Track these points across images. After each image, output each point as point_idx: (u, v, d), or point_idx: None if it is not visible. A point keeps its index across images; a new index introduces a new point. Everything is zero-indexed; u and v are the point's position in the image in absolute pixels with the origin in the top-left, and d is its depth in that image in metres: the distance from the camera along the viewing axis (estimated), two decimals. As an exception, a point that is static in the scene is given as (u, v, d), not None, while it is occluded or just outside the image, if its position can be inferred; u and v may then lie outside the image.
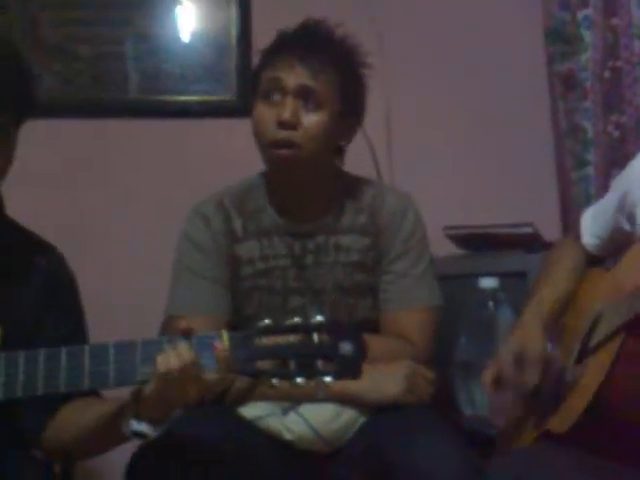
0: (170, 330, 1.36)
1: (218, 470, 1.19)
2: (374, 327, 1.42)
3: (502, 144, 2.09)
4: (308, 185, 1.41)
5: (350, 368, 1.01)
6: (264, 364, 1.02)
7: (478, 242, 1.78)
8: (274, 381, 1.01)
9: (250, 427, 1.33)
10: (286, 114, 1.33)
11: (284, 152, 1.34)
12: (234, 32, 2.10)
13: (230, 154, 2.02)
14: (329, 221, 1.43)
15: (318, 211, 1.43)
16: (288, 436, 1.32)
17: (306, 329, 1.03)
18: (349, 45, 1.41)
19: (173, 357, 1.03)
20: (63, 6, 2.08)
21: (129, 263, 2.02)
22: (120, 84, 2.09)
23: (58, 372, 1.04)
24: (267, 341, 1.02)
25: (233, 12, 2.10)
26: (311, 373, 1.01)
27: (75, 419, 1.18)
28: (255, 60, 2.04)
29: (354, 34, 1.95)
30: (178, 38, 2.10)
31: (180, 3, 2.12)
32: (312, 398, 1.29)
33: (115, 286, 1.97)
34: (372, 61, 2.03)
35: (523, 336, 1.26)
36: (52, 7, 2.07)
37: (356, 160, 1.94)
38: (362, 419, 1.34)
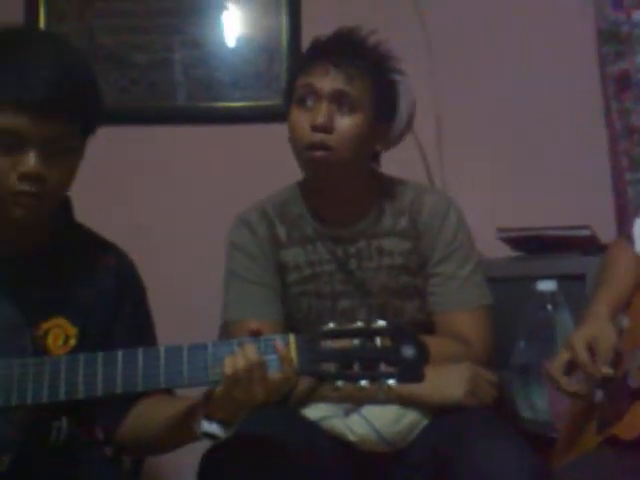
0: (232, 333, 1.40)
1: (284, 470, 1.21)
2: (422, 328, 1.42)
3: (556, 145, 2.07)
4: (344, 190, 1.43)
5: (413, 372, 1.03)
6: (329, 366, 1.04)
7: (533, 244, 1.77)
8: (339, 383, 1.03)
9: (314, 428, 1.35)
10: (320, 118, 1.35)
11: (319, 154, 1.36)
12: (284, 38, 2.13)
13: (281, 158, 2.04)
14: (369, 225, 1.45)
15: (356, 215, 1.45)
16: (351, 437, 1.34)
17: (369, 333, 1.04)
18: (382, 51, 1.43)
19: (240, 358, 1.05)
20: (118, 14, 2.13)
21: (187, 264, 2.06)
22: (173, 91, 2.13)
23: (136, 372, 1.07)
24: (331, 344, 1.04)
25: (283, 18, 2.13)
26: (375, 376, 1.03)
27: (148, 417, 1.20)
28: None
29: (403, 39, 1.98)
30: (229, 45, 2.14)
31: (230, 10, 2.16)
32: (373, 400, 1.30)
33: (178, 287, 2.01)
34: (422, 65, 2.07)
35: (595, 325, 1.25)
36: (108, 15, 2.13)
37: (407, 164, 1.96)
38: (425, 421, 1.35)
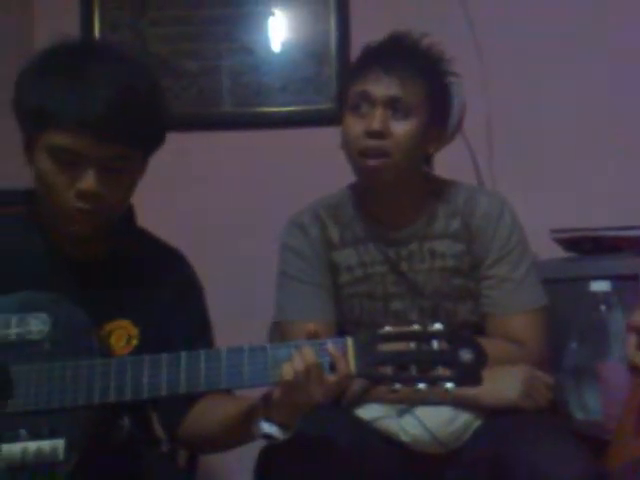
0: (287, 334, 1.42)
1: (338, 470, 1.23)
2: (475, 330, 1.42)
3: (607, 146, 2.05)
4: (397, 193, 1.44)
5: (471, 375, 1.04)
6: (386, 369, 1.05)
7: (587, 245, 1.76)
8: (396, 386, 1.04)
9: (367, 428, 1.36)
10: (375, 124, 1.36)
11: (374, 162, 1.37)
12: (333, 42, 2.15)
13: (331, 162, 2.06)
14: (421, 227, 1.45)
15: (409, 218, 1.45)
16: (404, 438, 1.35)
17: (426, 336, 1.05)
18: (434, 54, 1.43)
19: (298, 362, 1.07)
20: (170, 22, 2.18)
21: (236, 267, 2.10)
22: (222, 97, 2.17)
23: (199, 372, 1.10)
24: (388, 347, 1.06)
25: (332, 23, 2.15)
26: (433, 379, 1.04)
27: (208, 416, 1.23)
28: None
29: (452, 41, 1.97)
30: (277, 50, 2.17)
31: (279, 16, 2.18)
32: (427, 401, 1.31)
33: (226, 288, 2.03)
34: (471, 65, 2.07)
35: None
36: (160, 24, 2.18)
37: (456, 166, 1.97)
38: (478, 422, 1.36)
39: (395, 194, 1.44)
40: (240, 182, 2.16)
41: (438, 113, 1.43)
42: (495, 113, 2.07)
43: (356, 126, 1.39)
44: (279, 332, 1.49)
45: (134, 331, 1.25)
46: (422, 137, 1.39)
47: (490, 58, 2.08)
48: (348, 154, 1.43)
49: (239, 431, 1.19)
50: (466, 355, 1.03)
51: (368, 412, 1.38)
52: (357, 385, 1.33)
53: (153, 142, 1.23)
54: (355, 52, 2.10)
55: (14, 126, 1.22)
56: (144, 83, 1.21)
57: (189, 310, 1.32)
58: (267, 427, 1.11)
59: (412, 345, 1.05)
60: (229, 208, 2.15)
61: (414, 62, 1.39)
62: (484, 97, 2.07)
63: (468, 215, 1.45)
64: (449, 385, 1.03)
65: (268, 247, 2.09)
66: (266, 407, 1.12)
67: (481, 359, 1.04)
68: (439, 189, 1.48)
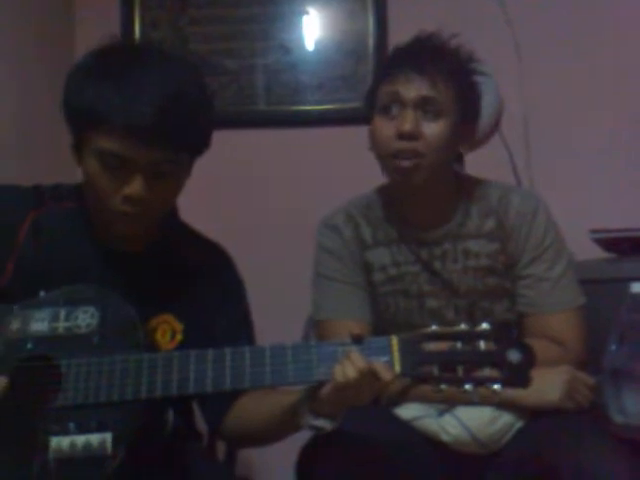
0: (326, 333, 1.43)
1: (379, 468, 1.23)
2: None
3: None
4: (428, 193, 1.43)
5: (519, 376, 1.03)
6: (432, 369, 1.05)
7: (626, 246, 1.74)
8: (442, 387, 1.04)
9: (407, 427, 1.37)
10: (407, 125, 1.35)
11: (406, 163, 1.36)
12: (370, 40, 2.15)
13: (370, 160, 2.07)
14: (454, 227, 1.45)
15: (441, 218, 1.45)
16: (444, 437, 1.35)
17: (473, 336, 1.05)
18: (463, 54, 1.42)
19: (349, 368, 1.07)
20: (210, 21, 2.20)
21: (269, 264, 2.11)
22: (260, 95, 2.18)
23: (244, 370, 1.12)
24: (434, 347, 1.06)
25: (370, 21, 2.16)
26: (480, 380, 1.03)
27: (252, 411, 1.24)
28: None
29: (490, 39, 1.96)
30: (315, 49, 2.18)
31: (317, 15, 2.19)
32: (468, 401, 1.30)
33: (259, 286, 2.06)
34: (508, 64, 2.06)
35: None
36: (200, 23, 2.20)
37: (494, 165, 1.96)
38: (519, 423, 1.35)
39: (427, 194, 1.43)
40: (275, 180, 2.17)
41: (468, 112, 1.42)
42: (532, 112, 2.07)
43: (386, 128, 1.38)
44: (317, 331, 1.49)
45: (179, 326, 1.26)
46: (453, 137, 1.39)
47: (528, 57, 2.07)
48: (379, 156, 1.42)
49: (282, 425, 1.20)
50: (514, 356, 1.02)
51: (408, 411, 1.38)
52: (397, 384, 1.34)
53: (200, 145, 1.23)
54: (388, 56, 2.13)
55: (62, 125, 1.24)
56: (193, 87, 1.21)
57: (232, 307, 1.33)
58: (313, 420, 1.12)
59: (459, 345, 1.04)
60: (265, 207, 2.17)
61: (443, 62, 1.38)
62: (521, 96, 2.06)
63: (502, 214, 1.44)
64: (496, 386, 1.03)
65: (301, 245, 2.11)
66: (312, 402, 1.13)
67: (529, 360, 1.03)
68: (472, 188, 1.48)
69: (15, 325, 1.15)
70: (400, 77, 1.38)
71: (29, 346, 1.14)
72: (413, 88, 1.36)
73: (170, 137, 1.15)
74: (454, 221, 1.45)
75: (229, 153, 2.18)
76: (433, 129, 1.36)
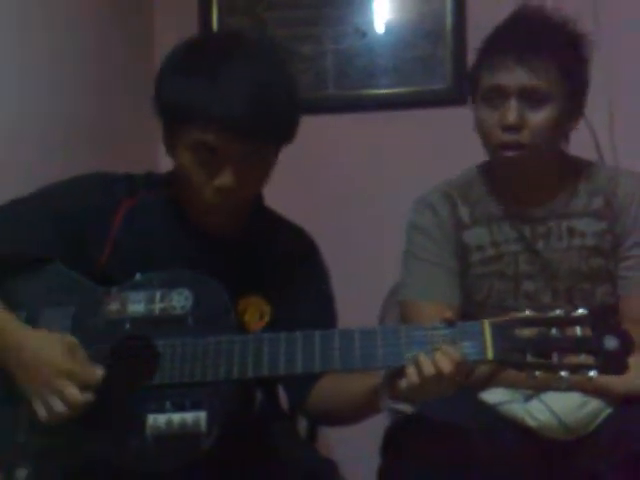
0: (411, 314, 1.42)
1: (466, 453, 1.23)
2: (613, 314, 1.39)
3: None
4: (534, 174, 1.41)
5: (616, 364, 1.01)
6: (526, 356, 1.04)
7: None
8: (537, 373, 1.03)
9: (493, 412, 1.36)
10: (510, 118, 1.33)
11: (511, 154, 1.35)
12: (449, 22, 2.12)
13: (448, 142, 2.06)
14: (560, 205, 1.42)
15: (547, 195, 1.43)
16: (531, 423, 1.34)
17: (568, 322, 1.04)
18: (569, 32, 1.38)
19: (444, 360, 1.05)
20: (287, 6, 2.20)
21: (351, 248, 2.11)
22: (336, 80, 2.18)
23: (333, 352, 1.13)
24: (528, 332, 1.04)
25: (447, 2, 2.12)
26: (575, 367, 1.02)
27: (333, 389, 1.25)
28: (473, 51, 2.09)
29: (572, 16, 1.91)
30: (391, 32, 2.16)
31: (394, -2, 2.18)
32: (555, 387, 1.29)
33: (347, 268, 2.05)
34: (592, 43, 2.00)
35: None
36: (277, 7, 2.20)
37: (578, 146, 1.91)
38: (608, 410, 1.34)
39: (532, 175, 1.41)
40: (359, 163, 2.17)
41: (577, 89, 1.38)
42: (617, 91, 2.00)
43: (490, 118, 1.36)
44: (401, 309, 1.49)
45: (266, 308, 1.29)
46: (559, 121, 1.36)
47: (613, 38, 2.00)
48: (483, 143, 1.41)
49: (363, 406, 1.20)
50: (611, 342, 1.01)
51: (493, 396, 1.38)
52: (483, 369, 1.33)
53: (289, 134, 1.25)
54: (471, 31, 2.10)
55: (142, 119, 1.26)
56: (281, 76, 1.22)
57: (318, 291, 1.35)
58: (393, 403, 1.12)
59: (554, 331, 1.03)
60: (349, 190, 2.16)
61: (547, 45, 1.34)
62: (605, 75, 1.99)
63: (611, 194, 1.41)
64: (592, 373, 1.02)
65: (378, 230, 2.11)
66: (392, 388, 1.12)
67: (627, 347, 1.02)
68: (579, 167, 1.45)
69: (114, 306, 1.19)
70: (500, 67, 1.35)
71: (127, 326, 1.18)
72: (515, 78, 1.33)
73: (262, 127, 1.17)
74: (560, 199, 1.43)
75: (310, 139, 2.19)
76: (538, 117, 1.34)
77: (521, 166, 1.37)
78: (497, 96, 1.35)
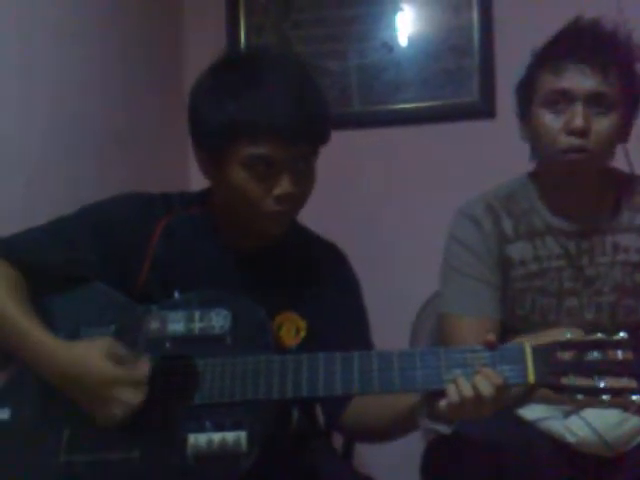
0: (451, 328, 1.42)
1: (506, 470, 1.24)
2: None
3: None
4: (585, 185, 1.40)
5: (658, 387, 1.01)
6: (568, 379, 1.03)
7: None
8: (579, 397, 1.03)
9: (531, 428, 1.35)
10: (578, 122, 1.31)
11: (575, 156, 1.33)
12: (476, 35, 2.13)
13: (477, 156, 2.06)
14: (604, 220, 1.42)
15: (592, 210, 1.42)
16: (570, 439, 1.34)
17: (609, 345, 1.03)
18: (628, 42, 1.37)
19: (483, 384, 1.04)
20: (312, 24, 2.22)
21: (392, 259, 2.13)
22: (366, 95, 2.18)
23: (372, 374, 1.13)
24: (569, 356, 1.04)
25: (474, 15, 2.13)
26: (618, 391, 1.01)
27: (371, 407, 1.25)
28: (500, 63, 2.10)
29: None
30: (418, 46, 2.17)
31: (419, 12, 2.18)
32: (594, 405, 1.29)
33: (383, 279, 2.05)
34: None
35: None
36: (302, 25, 2.22)
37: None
38: (648, 427, 1.33)
39: (582, 186, 1.40)
40: (390, 177, 2.17)
41: (636, 102, 1.38)
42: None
43: (553, 123, 1.35)
44: (441, 324, 1.47)
45: (302, 323, 1.29)
46: (622, 130, 1.36)
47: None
48: (543, 150, 1.39)
49: (401, 424, 1.20)
50: (652, 365, 1.01)
51: (532, 412, 1.37)
52: (520, 388, 1.33)
53: (328, 136, 1.27)
54: (499, 44, 2.10)
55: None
56: (314, 82, 1.26)
57: (352, 307, 1.36)
58: (430, 423, 1.12)
59: (595, 354, 1.03)
60: (372, 207, 2.17)
61: (614, 53, 1.33)
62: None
63: None
64: (635, 397, 1.01)
65: (407, 244, 2.11)
66: (430, 407, 1.12)
67: (668, 370, 1.01)
68: (623, 181, 1.45)
69: (154, 325, 1.21)
70: (567, 71, 1.33)
71: (167, 345, 1.19)
72: (583, 83, 1.32)
73: (307, 132, 1.20)
74: (605, 213, 1.42)
75: (336, 155, 2.19)
76: (603, 125, 1.33)
77: (582, 170, 1.35)
78: (562, 100, 1.34)
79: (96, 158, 1.83)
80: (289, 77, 1.22)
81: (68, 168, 1.73)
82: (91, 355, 1.14)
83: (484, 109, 2.08)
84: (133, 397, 1.12)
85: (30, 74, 1.61)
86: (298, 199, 1.24)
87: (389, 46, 2.18)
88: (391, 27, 2.19)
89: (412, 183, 2.15)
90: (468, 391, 1.04)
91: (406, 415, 1.17)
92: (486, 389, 1.04)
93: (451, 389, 1.06)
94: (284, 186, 1.21)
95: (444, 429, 1.13)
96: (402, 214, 2.14)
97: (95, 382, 1.12)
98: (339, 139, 2.17)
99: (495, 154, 2.01)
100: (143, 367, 1.14)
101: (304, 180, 1.24)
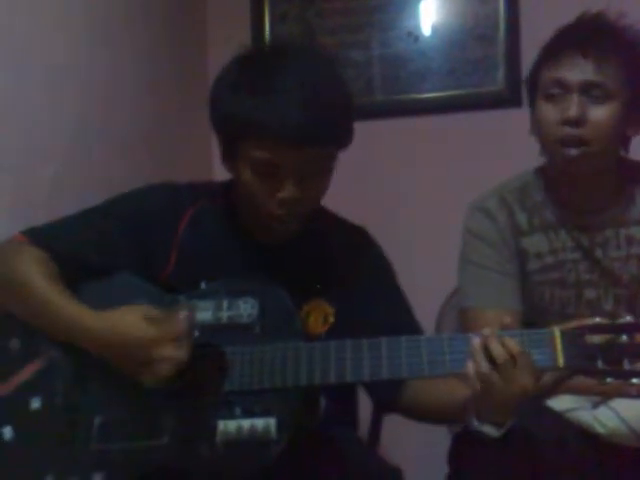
0: (472, 321, 1.42)
1: (536, 461, 1.23)
2: None
3: None
4: (593, 179, 1.39)
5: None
6: (598, 363, 1.03)
7: None
8: (608, 380, 1.03)
9: (560, 419, 1.35)
10: (572, 111, 1.32)
11: (573, 151, 1.33)
12: (502, 24, 2.11)
13: (503, 145, 2.05)
14: (617, 213, 1.41)
15: (604, 203, 1.41)
16: (599, 430, 1.33)
17: (638, 329, 1.03)
18: (633, 35, 1.36)
19: (498, 349, 1.05)
20: (336, 13, 2.22)
21: (411, 251, 2.10)
22: (390, 85, 2.18)
23: (400, 360, 1.13)
24: (598, 339, 1.04)
25: (500, 4, 2.11)
26: (647, 374, 1.01)
27: (426, 392, 1.26)
28: (526, 52, 2.08)
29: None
30: (444, 35, 2.15)
31: (445, 1, 2.16)
32: (627, 395, 1.27)
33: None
34: None
35: None
36: (326, 15, 2.22)
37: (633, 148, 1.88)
38: (680, 417, 1.32)
39: (591, 180, 1.40)
40: (414, 167, 2.17)
41: (638, 96, 1.36)
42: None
43: (551, 113, 1.35)
44: (463, 318, 1.48)
45: (330, 310, 1.29)
46: (621, 122, 1.35)
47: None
48: (542, 142, 1.40)
49: (454, 416, 1.20)
50: (683, 348, 1.00)
51: (560, 403, 1.36)
52: (549, 376, 1.32)
53: (344, 138, 1.25)
54: (525, 32, 2.09)
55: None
56: (335, 82, 1.23)
57: (384, 290, 1.35)
58: (478, 425, 1.12)
59: (624, 338, 1.03)
60: (397, 197, 2.17)
61: (610, 43, 1.34)
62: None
63: None
64: (663, 382, 1.01)
65: (433, 236, 2.10)
66: (474, 405, 1.12)
67: None
68: (636, 173, 1.43)
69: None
70: (564, 61, 1.34)
71: (196, 334, 1.20)
72: (578, 72, 1.33)
73: (318, 137, 1.18)
74: (617, 206, 1.41)
75: (361, 145, 2.19)
76: (600, 114, 1.33)
77: (582, 165, 1.35)
78: (559, 91, 1.34)
79: (123, 155, 1.84)
80: (306, 78, 1.18)
81: (97, 166, 1.74)
82: (128, 320, 1.15)
83: (510, 98, 2.06)
84: (176, 353, 1.13)
85: (60, 74, 1.62)
86: (305, 202, 1.22)
87: (415, 35, 2.17)
88: (415, 16, 2.18)
89: (437, 172, 2.13)
90: (483, 360, 1.05)
91: (458, 412, 1.17)
92: (501, 355, 1.04)
93: (469, 364, 1.07)
94: (288, 190, 1.20)
95: (492, 431, 1.12)
96: (427, 204, 2.13)
97: (137, 345, 1.13)
98: (365, 129, 2.18)
99: (521, 143, 1.98)
100: (181, 323, 1.14)
101: (313, 183, 1.22)
